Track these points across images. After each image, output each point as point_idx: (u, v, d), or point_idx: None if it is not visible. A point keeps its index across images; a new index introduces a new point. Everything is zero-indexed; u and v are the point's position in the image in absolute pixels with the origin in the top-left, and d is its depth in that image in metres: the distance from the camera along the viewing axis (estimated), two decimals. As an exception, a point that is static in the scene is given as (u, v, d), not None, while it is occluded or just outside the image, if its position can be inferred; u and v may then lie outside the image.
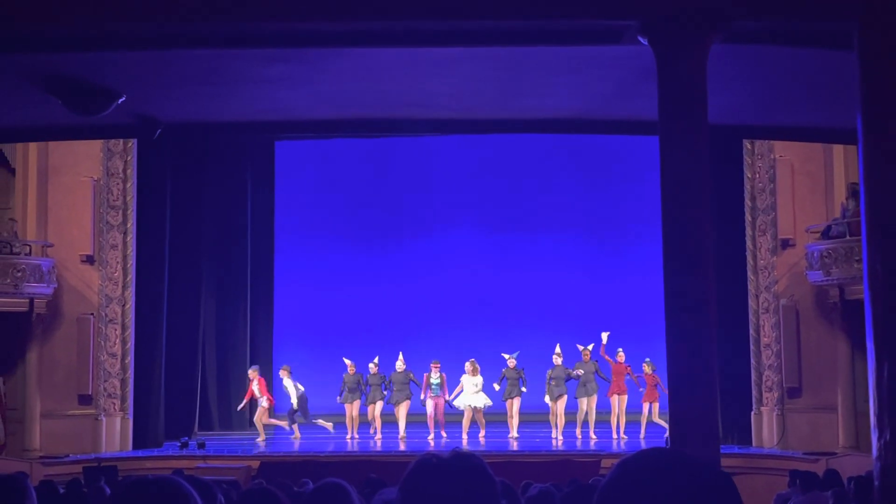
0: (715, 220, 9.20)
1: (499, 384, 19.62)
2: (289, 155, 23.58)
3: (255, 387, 19.76)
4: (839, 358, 18.81)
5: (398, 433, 19.53)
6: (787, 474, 12.55)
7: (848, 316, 18.19)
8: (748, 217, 19.59)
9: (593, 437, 19.33)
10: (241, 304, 22.58)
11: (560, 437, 19.17)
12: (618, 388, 19.47)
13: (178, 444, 18.97)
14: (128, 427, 19.56)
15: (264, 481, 10.86)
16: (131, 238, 19.74)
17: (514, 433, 19.38)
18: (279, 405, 20.78)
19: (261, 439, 19.69)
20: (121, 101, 11.33)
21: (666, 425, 19.39)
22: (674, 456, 1.87)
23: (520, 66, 10.97)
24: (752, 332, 19.51)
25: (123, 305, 19.68)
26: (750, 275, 19.55)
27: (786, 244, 19.39)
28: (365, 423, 19.94)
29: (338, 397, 19.95)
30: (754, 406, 19.42)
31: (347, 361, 19.99)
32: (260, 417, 19.86)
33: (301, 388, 20.19)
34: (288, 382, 20.14)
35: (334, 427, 20.13)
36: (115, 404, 19.53)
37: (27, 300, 19.13)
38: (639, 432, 19.57)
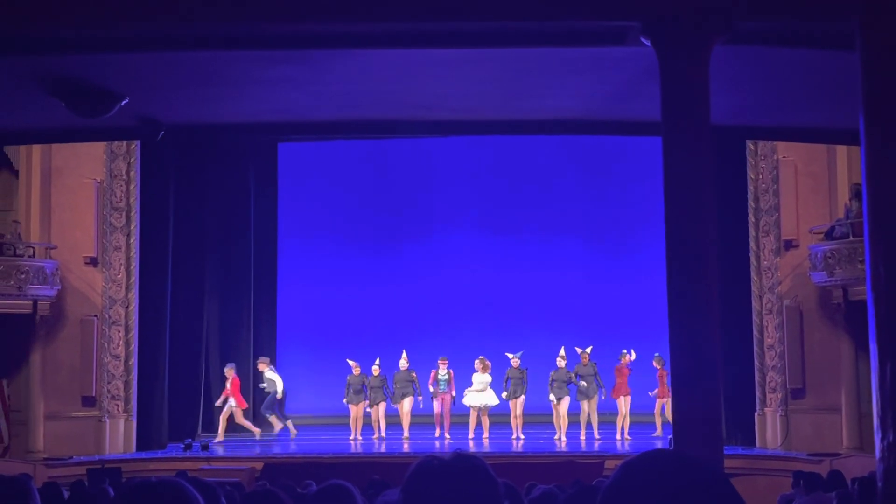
0: (718, 221, 9.17)
1: (504, 387, 19.62)
2: (291, 156, 23.59)
3: (229, 385, 19.80)
4: (843, 359, 18.79)
5: (402, 433, 19.54)
6: (791, 475, 12.54)
7: (851, 317, 18.17)
8: (751, 218, 19.58)
9: (597, 437, 19.34)
10: (244, 306, 22.59)
11: (564, 438, 19.17)
12: (622, 389, 19.49)
13: (182, 445, 18.97)
14: (131, 429, 19.57)
15: (268, 483, 10.86)
16: (134, 240, 19.76)
17: (518, 434, 19.35)
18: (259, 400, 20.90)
19: (219, 438, 19.72)
20: (124, 102, 11.34)
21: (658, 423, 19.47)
22: (677, 458, 1.87)
23: (522, 68, 10.97)
24: (755, 332, 19.50)
25: (127, 307, 19.70)
26: (753, 276, 19.54)
27: (789, 245, 19.38)
28: (368, 425, 19.93)
29: (344, 399, 19.95)
30: (758, 407, 19.41)
31: (352, 363, 20.01)
32: (226, 416, 19.82)
33: (279, 379, 20.28)
34: (270, 374, 20.14)
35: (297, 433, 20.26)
36: (118, 406, 19.54)
37: (31, 302, 19.15)
38: (649, 432, 19.57)
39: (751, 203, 19.58)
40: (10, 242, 19.12)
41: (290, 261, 23.68)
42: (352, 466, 16.72)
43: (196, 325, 21.46)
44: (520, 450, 18.54)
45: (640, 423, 20.21)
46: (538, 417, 20.22)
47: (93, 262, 19.70)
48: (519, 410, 19.47)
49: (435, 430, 19.79)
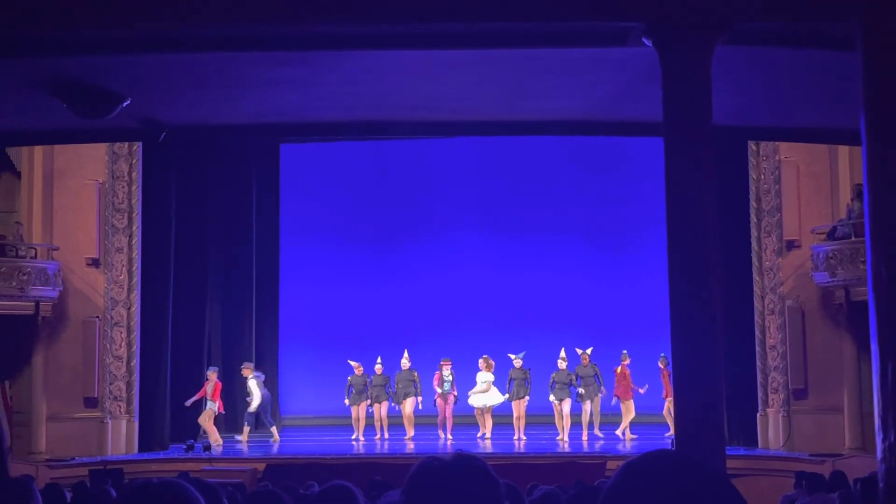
0: (720, 221, 9.17)
1: (507, 389, 19.61)
2: (293, 157, 23.60)
3: (210, 388, 19.70)
4: (845, 359, 18.78)
5: (405, 434, 19.54)
6: (793, 476, 12.53)
7: (854, 317, 18.16)
8: (753, 218, 19.57)
9: (599, 435, 19.34)
10: (246, 307, 22.60)
11: (566, 439, 19.17)
12: (626, 392, 19.52)
13: (184, 446, 18.98)
14: (133, 430, 19.58)
15: (270, 484, 10.87)
16: (136, 241, 19.78)
17: (520, 435, 19.34)
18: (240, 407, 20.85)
19: (215, 441, 19.60)
20: (126, 104, 11.34)
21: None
22: (678, 458, 1.87)
23: (524, 68, 10.97)
24: (757, 333, 19.49)
25: (129, 308, 19.71)
26: (755, 276, 19.53)
27: (791, 245, 19.38)
28: (370, 425, 19.93)
29: (345, 399, 19.94)
30: (760, 407, 19.40)
31: (354, 364, 20.01)
32: (205, 419, 19.79)
33: (259, 393, 20.17)
34: (252, 384, 20.10)
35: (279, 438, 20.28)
36: (120, 407, 19.55)
37: (33, 303, 19.16)
38: (653, 432, 19.58)
39: (753, 203, 19.57)
40: (12, 244, 19.13)
41: (291, 261, 23.69)
42: (353, 467, 16.72)
43: (198, 326, 21.47)
44: (522, 450, 18.55)
45: (645, 423, 20.22)
46: (540, 418, 20.22)
47: (95, 263, 19.71)
48: (522, 411, 19.47)
49: (438, 432, 19.78)
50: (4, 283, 18.66)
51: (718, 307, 8.71)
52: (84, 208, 19.65)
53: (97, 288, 19.72)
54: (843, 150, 18.63)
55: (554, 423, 19.64)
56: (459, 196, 23.98)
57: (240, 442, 20.16)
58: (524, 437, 19.29)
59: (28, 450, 19.26)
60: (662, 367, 19.43)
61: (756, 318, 19.50)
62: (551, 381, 19.50)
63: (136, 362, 19.69)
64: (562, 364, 19.55)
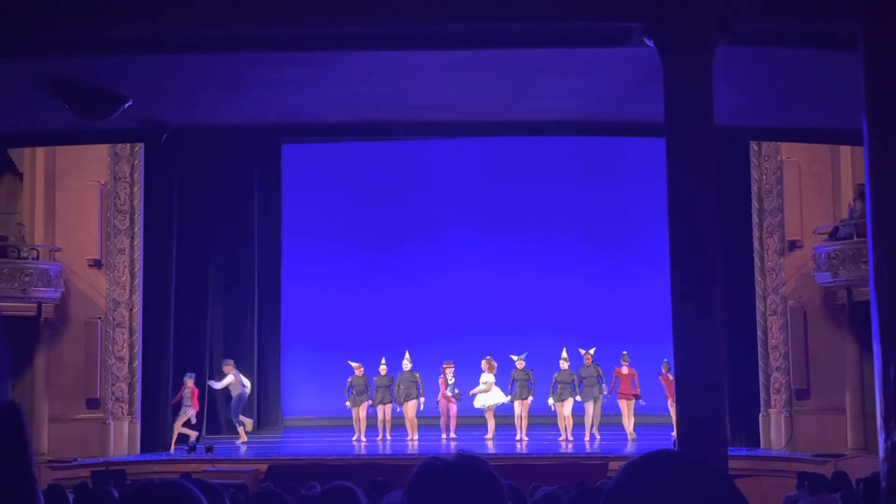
0: (722, 221, 9.18)
1: (510, 390, 19.60)
2: (295, 158, 23.61)
3: (187, 393, 19.65)
4: (847, 359, 18.77)
5: (407, 435, 19.53)
6: (796, 476, 12.51)
7: (856, 317, 18.15)
8: (755, 219, 19.56)
9: (597, 435, 19.33)
10: (247, 307, 22.61)
11: (571, 438, 19.16)
12: (625, 392, 19.53)
13: (186, 447, 18.98)
14: (136, 431, 19.58)
15: (272, 485, 10.87)
16: (138, 242, 19.78)
17: (522, 435, 19.31)
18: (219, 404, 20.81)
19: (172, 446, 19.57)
20: (127, 105, 11.35)
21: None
22: (680, 459, 1.87)
23: (525, 69, 10.97)
24: (759, 333, 19.48)
25: (131, 309, 19.71)
26: (757, 276, 19.52)
27: (793, 246, 19.37)
28: (370, 427, 19.91)
29: (346, 402, 19.93)
30: (762, 408, 19.39)
31: (354, 364, 20.00)
32: (178, 423, 19.73)
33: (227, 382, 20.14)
34: (230, 378, 20.03)
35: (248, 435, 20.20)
36: (122, 408, 19.56)
37: (35, 304, 19.17)
38: (657, 433, 19.59)
39: (754, 204, 19.57)
40: (14, 245, 19.14)
41: (293, 262, 23.70)
42: (355, 468, 16.72)
43: (200, 327, 21.48)
44: (524, 451, 18.54)
45: (646, 424, 20.22)
46: (542, 419, 20.22)
47: (97, 264, 19.72)
48: (525, 412, 19.45)
49: (441, 433, 19.79)
50: (6, 285, 18.67)
51: (720, 308, 8.71)
52: (86, 209, 19.65)
53: (99, 289, 19.72)
54: (845, 151, 18.63)
55: (556, 424, 19.62)
56: (460, 196, 23.99)
57: (242, 438, 20.10)
58: (526, 438, 19.26)
59: (30, 451, 19.24)
60: (665, 371, 19.35)
61: (758, 318, 19.49)
62: (553, 381, 19.50)
63: (137, 363, 19.69)
64: (564, 364, 19.54)
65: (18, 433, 0.99)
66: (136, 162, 19.81)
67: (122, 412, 19.55)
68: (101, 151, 19.58)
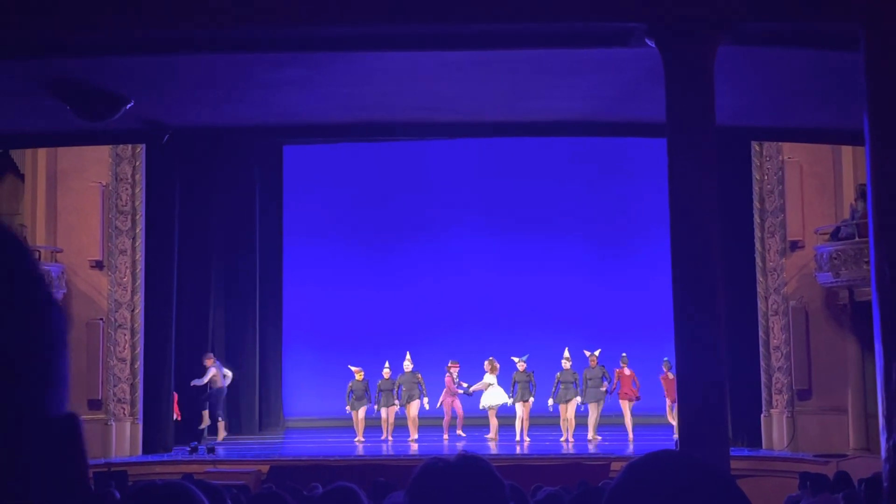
0: (723, 222, 9.19)
1: (511, 392, 19.57)
2: (296, 159, 23.62)
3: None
4: (849, 359, 18.76)
5: (409, 436, 19.51)
6: (798, 477, 12.51)
7: (857, 317, 18.13)
8: (757, 219, 19.55)
9: (597, 437, 19.30)
10: (249, 308, 22.61)
11: (571, 440, 19.14)
12: (626, 392, 19.54)
13: (188, 448, 18.98)
14: (137, 432, 19.57)
15: (274, 486, 10.86)
16: (140, 243, 19.77)
17: (523, 437, 19.22)
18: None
19: None
20: (129, 106, 11.36)
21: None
22: (682, 459, 1.86)
23: (527, 69, 10.97)
24: (761, 334, 19.47)
25: (132, 310, 19.71)
26: (759, 277, 19.52)
27: (795, 246, 19.36)
28: (372, 427, 19.87)
29: (346, 406, 19.89)
30: (764, 408, 19.38)
31: (354, 368, 19.96)
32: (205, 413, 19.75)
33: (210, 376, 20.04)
34: (213, 371, 19.94)
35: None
36: (124, 409, 19.55)
37: (37, 305, 19.13)
38: (658, 433, 19.58)
39: (756, 204, 19.56)
40: (15, 246, 19.12)
41: (294, 263, 23.70)
42: (357, 469, 16.71)
43: (201, 328, 21.47)
44: (526, 452, 18.52)
45: (648, 424, 20.22)
46: (544, 420, 20.20)
47: (98, 265, 19.71)
48: (526, 414, 19.39)
49: (444, 434, 19.78)
50: (8, 286, 18.65)
51: (721, 308, 8.71)
52: (87, 210, 19.65)
53: (101, 290, 19.72)
54: (847, 151, 18.62)
55: (558, 425, 19.59)
56: (461, 197, 23.98)
57: (221, 436, 19.96)
58: (528, 439, 19.19)
59: (32, 452, 19.23)
60: (666, 370, 19.39)
61: (759, 318, 19.49)
62: (556, 381, 19.48)
63: (139, 364, 19.68)
64: (566, 364, 19.52)
65: (78, 445, 0.99)
66: (137, 163, 19.81)
67: (124, 413, 19.54)
68: (103, 152, 19.59)
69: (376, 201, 24.00)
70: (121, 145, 19.32)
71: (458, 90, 11.75)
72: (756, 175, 19.61)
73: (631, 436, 19.43)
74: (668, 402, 19.52)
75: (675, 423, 19.39)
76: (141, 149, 19.71)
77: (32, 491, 0.97)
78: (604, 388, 19.47)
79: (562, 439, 19.27)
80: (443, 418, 20.02)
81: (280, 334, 23.30)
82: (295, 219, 23.71)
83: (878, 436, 5.81)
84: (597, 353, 19.63)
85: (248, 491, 10.71)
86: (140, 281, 19.74)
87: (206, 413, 20.10)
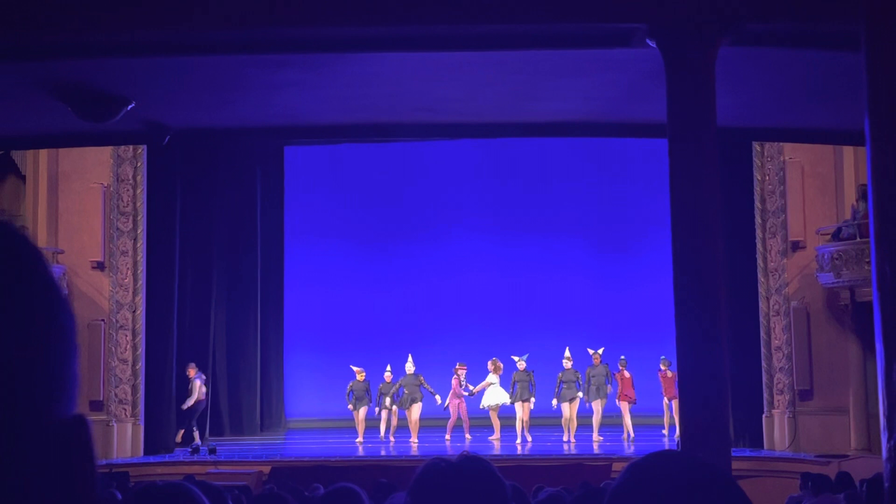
0: (724, 222, 9.20)
1: (511, 392, 19.55)
2: (298, 160, 23.63)
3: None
4: (850, 360, 18.76)
5: (410, 437, 19.50)
6: (799, 477, 12.51)
7: (859, 318, 18.13)
8: (758, 219, 19.55)
9: (599, 437, 19.28)
10: (251, 309, 22.62)
11: (573, 440, 19.11)
12: (625, 395, 19.55)
13: (189, 449, 18.98)
14: (139, 433, 19.58)
15: (275, 486, 10.86)
16: (141, 244, 19.78)
17: (523, 438, 19.16)
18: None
19: None
20: (130, 107, 11.36)
21: (667, 423, 19.47)
22: (683, 459, 1.86)
23: (528, 70, 10.97)
24: (762, 334, 19.47)
25: (134, 311, 19.71)
26: (760, 277, 19.52)
27: (796, 246, 19.36)
28: (373, 428, 19.86)
29: (348, 405, 19.87)
30: (765, 409, 19.38)
31: (356, 369, 19.94)
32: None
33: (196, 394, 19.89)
34: (196, 384, 19.85)
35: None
36: (126, 410, 19.55)
37: (38, 306, 19.13)
38: (656, 434, 19.57)
39: (757, 204, 19.56)
40: (17, 247, 19.13)
41: (296, 264, 23.70)
42: (359, 469, 16.70)
43: (203, 329, 21.48)
44: (527, 452, 18.50)
45: (649, 425, 20.21)
46: (545, 420, 20.19)
47: (100, 266, 19.72)
48: (526, 414, 19.36)
49: (447, 435, 19.78)
50: (9, 287, 18.65)
51: (723, 308, 8.71)
52: (89, 211, 19.66)
53: (102, 291, 19.73)
54: (848, 151, 18.62)
55: (559, 425, 19.56)
56: (463, 198, 23.99)
57: (179, 444, 19.73)
58: (529, 438, 19.15)
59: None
60: (664, 368, 19.42)
61: (761, 319, 19.49)
62: (558, 381, 19.46)
63: (141, 365, 19.69)
64: (567, 363, 19.50)
65: (86, 447, 0.99)
66: (138, 164, 19.82)
67: (126, 414, 19.55)
68: (104, 154, 19.60)
69: (377, 202, 24.01)
70: (122, 146, 19.33)
71: (460, 91, 11.75)
72: (757, 175, 19.61)
73: (632, 435, 19.42)
74: (664, 399, 19.53)
75: (668, 421, 19.43)
76: (142, 150, 19.72)
77: (40, 494, 0.97)
78: (609, 389, 19.46)
79: (564, 439, 19.22)
80: (448, 419, 20.00)
81: (281, 335, 23.30)
82: (296, 219, 23.71)
83: (879, 436, 5.80)
84: (600, 351, 19.62)
85: (249, 492, 10.71)
86: (141, 282, 19.75)
87: (195, 431, 19.94)
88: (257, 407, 22.38)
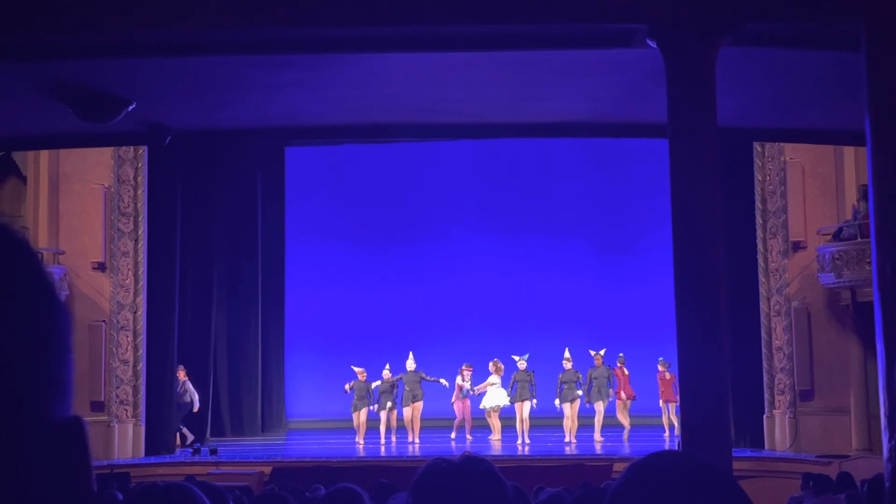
0: (725, 222, 9.21)
1: (510, 391, 19.54)
2: (298, 160, 23.63)
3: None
4: (851, 360, 18.75)
5: (413, 438, 19.47)
6: (800, 477, 12.51)
7: (860, 318, 18.12)
8: (759, 220, 19.55)
9: (600, 438, 19.27)
10: (252, 310, 22.62)
11: (574, 441, 19.10)
12: (626, 392, 19.56)
13: (190, 450, 18.98)
14: (140, 433, 19.57)
15: (276, 487, 10.86)
16: (142, 245, 19.79)
17: (524, 439, 19.14)
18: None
19: None
20: (131, 108, 11.37)
21: (667, 425, 19.46)
22: (685, 459, 1.87)
23: (529, 71, 10.97)
24: (763, 334, 19.47)
25: (135, 312, 19.71)
26: (761, 277, 19.51)
27: (797, 246, 19.35)
28: (374, 429, 19.84)
29: (346, 388, 19.87)
30: (766, 409, 19.38)
31: (357, 369, 19.92)
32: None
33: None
34: (190, 386, 19.87)
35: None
36: (127, 411, 19.56)
37: (39, 307, 19.12)
38: (656, 434, 19.57)
39: (758, 205, 19.56)
40: (18, 248, 19.12)
41: (297, 265, 23.71)
42: (360, 470, 16.69)
43: (204, 329, 21.49)
44: (528, 453, 18.49)
45: (649, 425, 20.21)
46: (546, 420, 20.18)
47: (101, 267, 19.73)
48: (526, 414, 19.34)
49: (453, 433, 19.79)
50: (10, 288, 18.64)
51: (724, 309, 8.71)
52: (90, 212, 19.66)
53: (103, 292, 19.73)
54: (849, 151, 18.61)
55: (560, 425, 19.54)
56: (463, 199, 24.00)
57: (188, 446, 19.74)
58: (528, 441, 19.10)
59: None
60: (663, 369, 19.39)
61: (762, 319, 19.48)
62: (558, 382, 19.45)
63: (142, 366, 19.68)
64: (567, 364, 19.50)
65: (82, 449, 0.99)
66: (139, 165, 19.82)
67: (127, 415, 19.55)
68: (105, 155, 19.60)
69: (378, 202, 24.02)
70: (123, 147, 19.33)
71: (460, 91, 11.75)
72: (758, 176, 19.61)
73: (627, 429, 19.43)
74: (660, 401, 19.50)
75: (666, 424, 19.43)
76: (143, 151, 19.73)
77: (37, 495, 0.98)
78: (610, 394, 19.46)
79: (565, 441, 19.18)
80: (442, 418, 19.99)
81: (282, 336, 23.30)
82: (297, 220, 23.72)
83: (880, 436, 5.80)
84: (602, 352, 19.61)
85: (250, 492, 10.71)
86: (142, 283, 19.75)
87: (185, 429, 19.97)
88: (258, 407, 22.38)
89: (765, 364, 19.41)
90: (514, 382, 19.52)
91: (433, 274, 23.87)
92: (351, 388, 19.79)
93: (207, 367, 21.35)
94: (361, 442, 19.53)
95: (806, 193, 19.30)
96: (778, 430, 19.22)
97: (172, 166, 20.12)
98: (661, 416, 19.83)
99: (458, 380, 19.86)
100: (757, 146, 19.45)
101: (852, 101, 7.61)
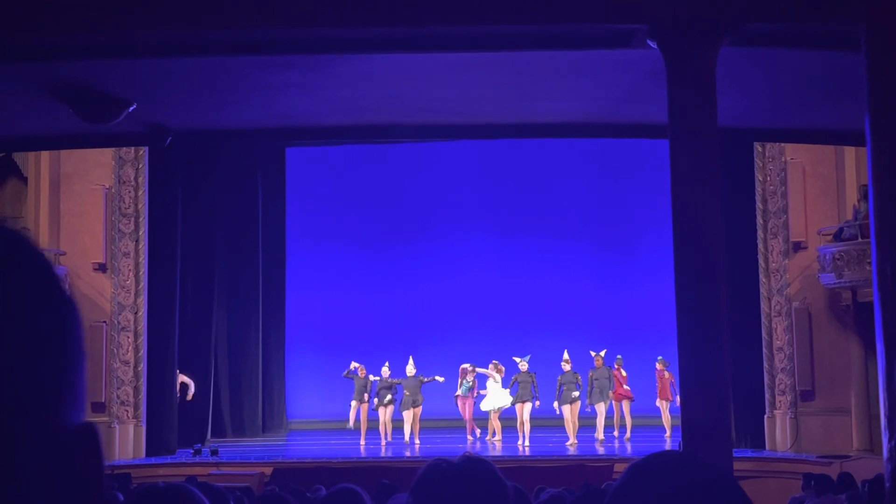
0: (726, 223, 9.21)
1: (511, 392, 19.54)
2: (299, 161, 23.64)
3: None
4: (852, 360, 18.75)
5: (412, 438, 19.46)
6: (801, 478, 12.52)
7: (861, 318, 18.12)
8: (759, 220, 19.55)
9: (601, 438, 19.26)
10: (252, 311, 22.63)
11: (575, 442, 19.08)
12: (624, 393, 19.56)
13: (191, 451, 18.98)
14: (141, 434, 19.58)
15: (277, 487, 10.86)
16: (143, 246, 19.79)
17: (524, 440, 19.13)
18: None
19: None
20: (132, 108, 11.37)
21: (668, 425, 19.46)
22: (685, 459, 1.86)
23: (529, 71, 10.97)
24: (764, 335, 19.47)
25: (136, 313, 19.71)
26: (762, 278, 19.51)
27: (798, 247, 19.35)
28: (374, 429, 19.83)
29: (345, 375, 19.86)
30: (767, 409, 19.37)
31: (357, 366, 19.90)
32: None
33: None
34: (186, 378, 19.89)
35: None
36: (127, 412, 19.56)
37: (39, 308, 19.12)
38: (656, 434, 19.56)
39: (759, 205, 19.56)
40: (18, 249, 19.13)
41: (297, 265, 23.71)
42: (361, 470, 16.70)
43: (205, 330, 21.49)
44: (528, 454, 18.48)
45: (649, 426, 20.20)
46: (547, 421, 20.17)
47: (101, 268, 19.73)
48: (526, 416, 19.32)
49: (467, 434, 19.83)
50: (11, 289, 18.65)
51: (724, 309, 8.71)
52: (90, 213, 19.67)
53: (104, 293, 19.73)
54: (850, 151, 18.61)
55: (561, 426, 19.52)
56: (464, 199, 24.00)
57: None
58: (527, 444, 19.05)
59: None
60: (661, 368, 19.39)
61: (763, 319, 19.48)
62: (558, 384, 19.44)
63: (143, 367, 19.69)
64: (566, 366, 19.49)
65: (95, 455, 0.98)
66: (140, 166, 19.83)
67: (127, 416, 19.55)
68: (106, 155, 19.60)
69: (378, 203, 24.02)
70: (123, 148, 19.34)
71: (461, 92, 11.75)
72: (759, 176, 19.61)
73: (629, 432, 19.43)
74: (657, 400, 19.48)
75: (666, 423, 19.42)
76: (144, 151, 19.73)
77: (49, 501, 0.97)
78: (612, 394, 19.46)
79: (567, 443, 19.12)
80: (445, 419, 19.99)
81: (283, 336, 23.30)
82: (298, 221, 23.72)
83: (880, 436, 5.81)
84: (602, 353, 19.60)
85: (251, 493, 10.71)
86: (143, 283, 19.75)
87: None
88: (259, 408, 22.38)
89: (765, 364, 19.41)
90: (515, 383, 19.51)
91: (433, 274, 23.87)
92: (352, 370, 19.64)
93: (208, 368, 21.35)
94: (362, 442, 19.54)
95: (806, 193, 19.29)
96: (779, 430, 19.21)
97: (173, 167, 20.12)
98: (661, 417, 19.82)
99: (460, 380, 19.85)
100: (757, 146, 19.45)
101: (852, 101, 7.61)
